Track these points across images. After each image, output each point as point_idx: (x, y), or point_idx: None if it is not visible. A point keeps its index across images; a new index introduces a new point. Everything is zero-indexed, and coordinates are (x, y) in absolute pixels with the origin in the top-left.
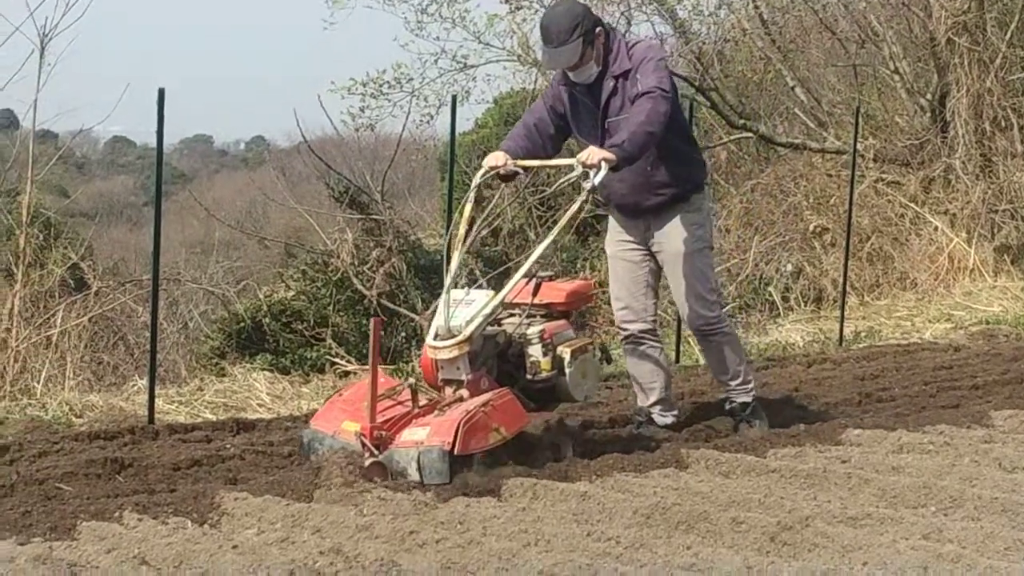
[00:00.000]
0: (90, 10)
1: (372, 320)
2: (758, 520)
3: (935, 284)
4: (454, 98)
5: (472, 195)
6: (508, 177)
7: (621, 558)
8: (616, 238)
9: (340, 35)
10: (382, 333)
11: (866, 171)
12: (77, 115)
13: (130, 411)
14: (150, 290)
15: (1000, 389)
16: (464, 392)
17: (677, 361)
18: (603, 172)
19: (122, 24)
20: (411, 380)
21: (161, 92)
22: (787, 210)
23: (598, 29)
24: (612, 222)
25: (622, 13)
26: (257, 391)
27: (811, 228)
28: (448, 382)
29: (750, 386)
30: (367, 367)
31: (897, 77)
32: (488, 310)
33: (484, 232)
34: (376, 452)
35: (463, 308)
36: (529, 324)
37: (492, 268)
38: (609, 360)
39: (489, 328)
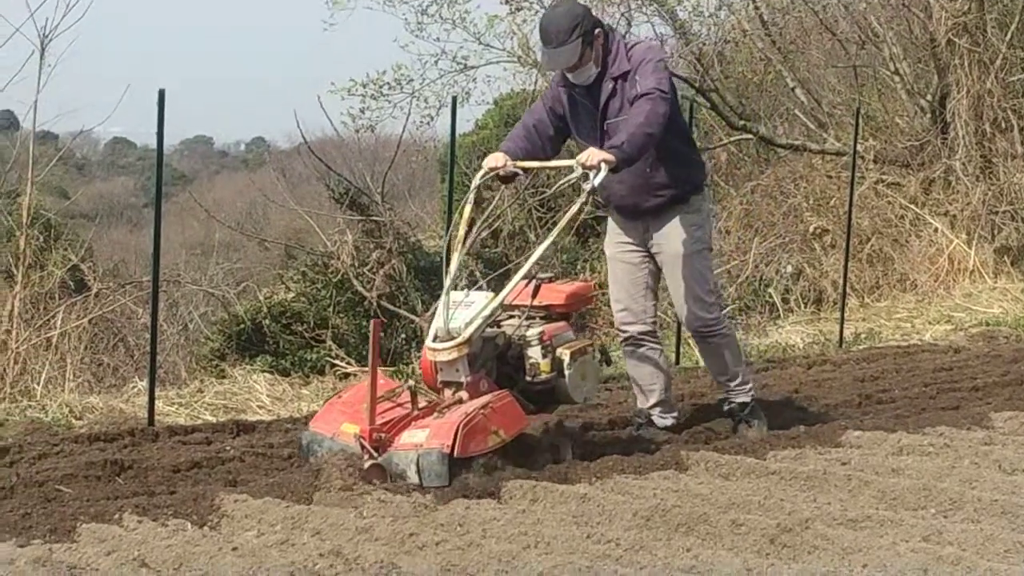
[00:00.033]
0: (90, 11)
1: (372, 322)
2: (758, 522)
3: (935, 286)
4: (454, 99)
5: (472, 196)
6: (508, 178)
7: (621, 560)
8: (615, 240)
9: (340, 36)
10: (382, 335)
11: (866, 172)
12: (77, 116)
13: (130, 413)
14: (150, 292)
15: (1000, 391)
16: (463, 394)
17: (677, 363)
18: (603, 173)
19: (122, 25)
20: (410, 382)
21: (161, 93)
22: (787, 211)
23: (597, 30)
24: (611, 224)
25: (622, 14)
26: (257, 393)
27: (811, 229)
28: (447, 384)
29: (749, 386)
30: (367, 369)
31: (897, 78)
32: (487, 312)
33: (484, 233)
34: (375, 454)
35: (462, 310)
36: (528, 326)
37: (492, 269)
38: (609, 362)
39: (488, 330)
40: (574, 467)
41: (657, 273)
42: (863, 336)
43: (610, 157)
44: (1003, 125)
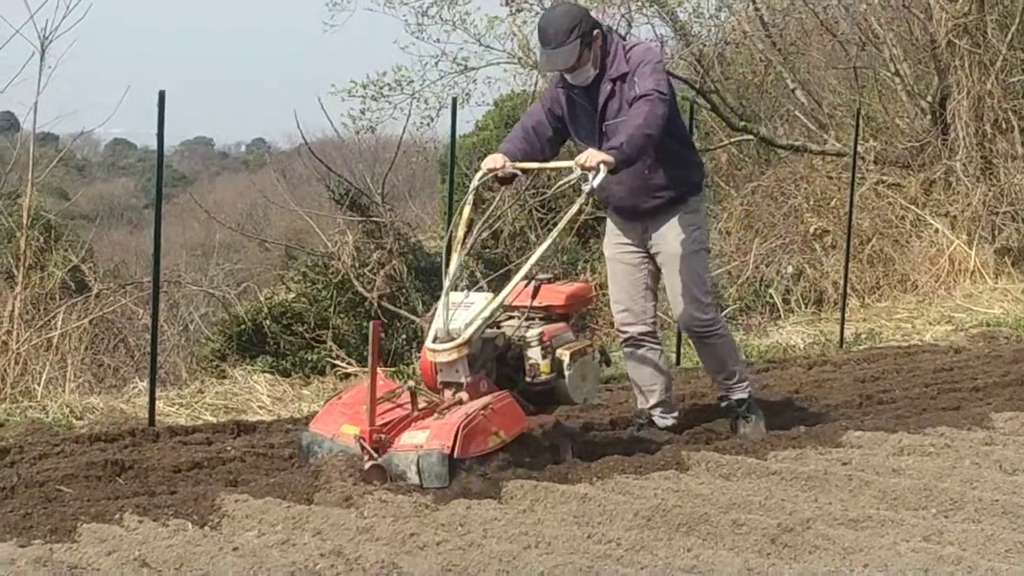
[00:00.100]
0: (90, 12)
1: (371, 323)
2: (759, 522)
3: (936, 286)
4: (454, 100)
5: (471, 197)
6: (507, 179)
7: (622, 560)
8: (614, 240)
9: (340, 37)
10: (382, 335)
11: (867, 173)
12: (78, 117)
13: (131, 413)
14: (151, 292)
15: (1001, 391)
16: (463, 395)
17: (678, 363)
18: (602, 175)
19: (122, 26)
20: (410, 383)
21: (162, 95)
22: (788, 212)
23: (596, 31)
24: (610, 224)
25: (623, 15)
26: (258, 393)
27: (812, 230)
28: (447, 385)
29: (746, 383)
30: (367, 369)
31: (898, 79)
32: (487, 313)
33: (485, 234)
34: (375, 455)
35: (462, 311)
36: (528, 327)
37: (493, 270)
38: (608, 362)
39: (488, 331)
40: (575, 467)
41: (657, 274)
42: (864, 337)
43: (609, 158)
44: (1003, 126)
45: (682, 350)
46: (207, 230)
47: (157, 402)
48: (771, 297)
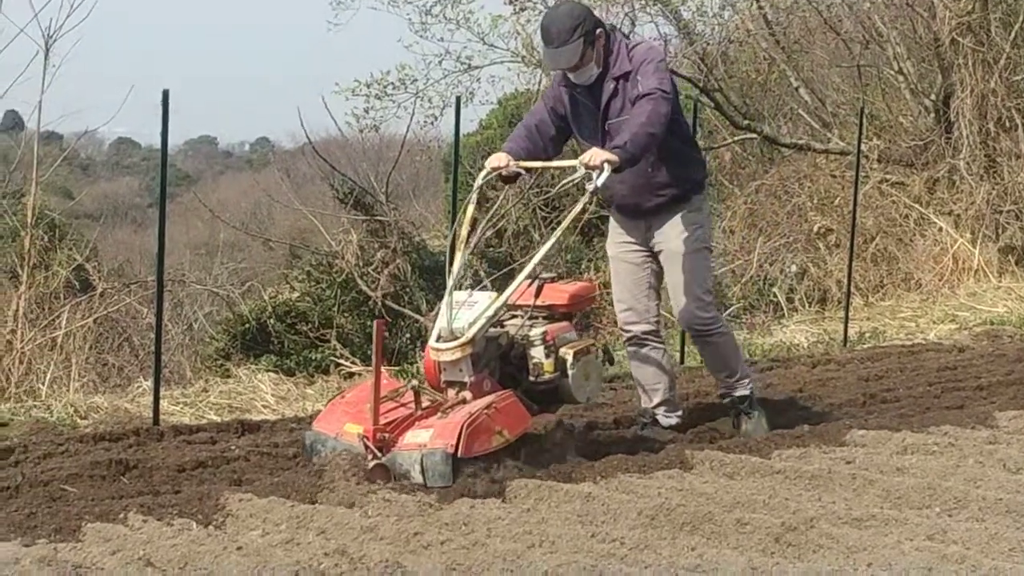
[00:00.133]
0: (94, 11)
1: (375, 322)
2: (763, 521)
3: (939, 285)
4: (458, 99)
5: (474, 196)
6: (510, 178)
7: (626, 559)
8: (617, 239)
9: (344, 36)
10: (386, 334)
11: (870, 172)
12: (82, 117)
13: (135, 412)
14: (155, 291)
15: (1004, 390)
16: (467, 394)
17: (681, 362)
18: (605, 174)
19: (126, 24)
20: (414, 382)
21: (166, 94)
22: (791, 211)
23: (599, 30)
24: (613, 223)
25: (626, 14)
26: (262, 392)
27: (815, 229)
28: (451, 384)
29: (748, 380)
30: (371, 368)
31: (901, 78)
32: (491, 312)
33: (489, 233)
34: (379, 454)
35: (466, 310)
36: (532, 326)
37: (497, 269)
38: (612, 361)
39: (492, 330)
40: (579, 466)
41: (660, 273)
42: (867, 335)
43: (613, 157)
44: (1007, 124)
45: (686, 349)
46: (211, 229)
47: (161, 401)
48: (775, 296)
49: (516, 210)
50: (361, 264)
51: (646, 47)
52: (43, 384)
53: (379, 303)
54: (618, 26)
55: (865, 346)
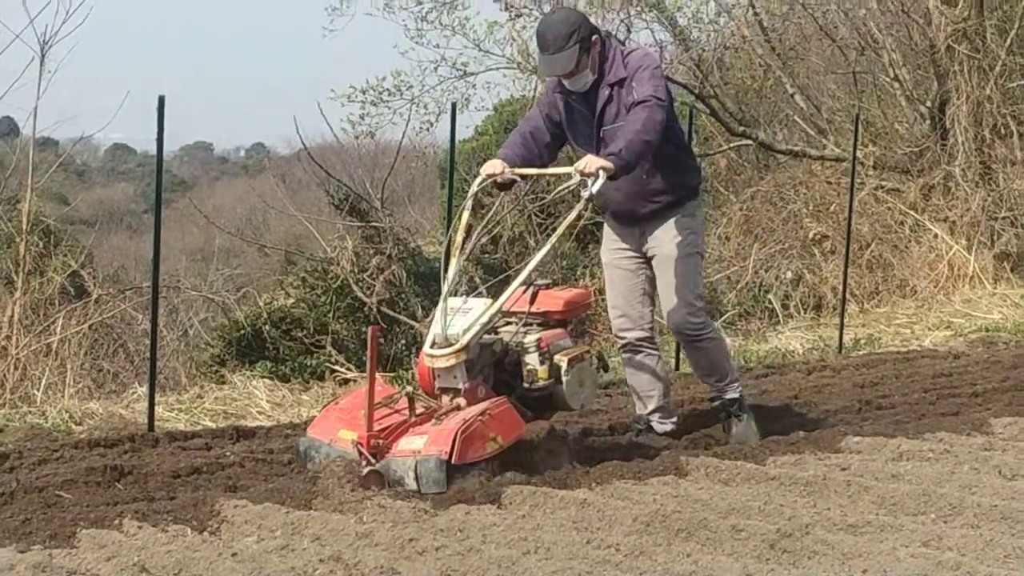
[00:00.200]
0: (90, 16)
1: (370, 328)
2: (758, 527)
3: (935, 291)
4: (454, 105)
5: (469, 203)
6: (506, 185)
7: (621, 566)
8: (612, 246)
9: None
10: (382, 341)
11: (866, 178)
12: (77, 122)
13: (130, 419)
14: (150, 297)
15: (1000, 396)
16: (461, 401)
17: (676, 368)
18: (600, 181)
19: (122, 29)
20: (408, 388)
21: (161, 100)
22: (787, 217)
23: (594, 37)
24: (607, 230)
25: (622, 20)
26: (257, 399)
27: (811, 235)
28: (445, 390)
29: (737, 383)
30: (366, 375)
31: (897, 84)
32: (485, 318)
33: (484, 239)
34: (373, 460)
35: (460, 316)
36: (526, 332)
37: (492, 275)
38: (606, 368)
39: (486, 336)
40: (574, 472)
41: (654, 279)
42: (863, 342)
43: (608, 164)
44: (1002, 131)
45: (681, 356)
46: (206, 235)
47: (156, 407)
48: (770, 302)
49: (512, 216)
50: (356, 270)
51: (641, 54)
52: (38, 390)
53: (374, 309)
54: (613, 32)
55: (860, 353)
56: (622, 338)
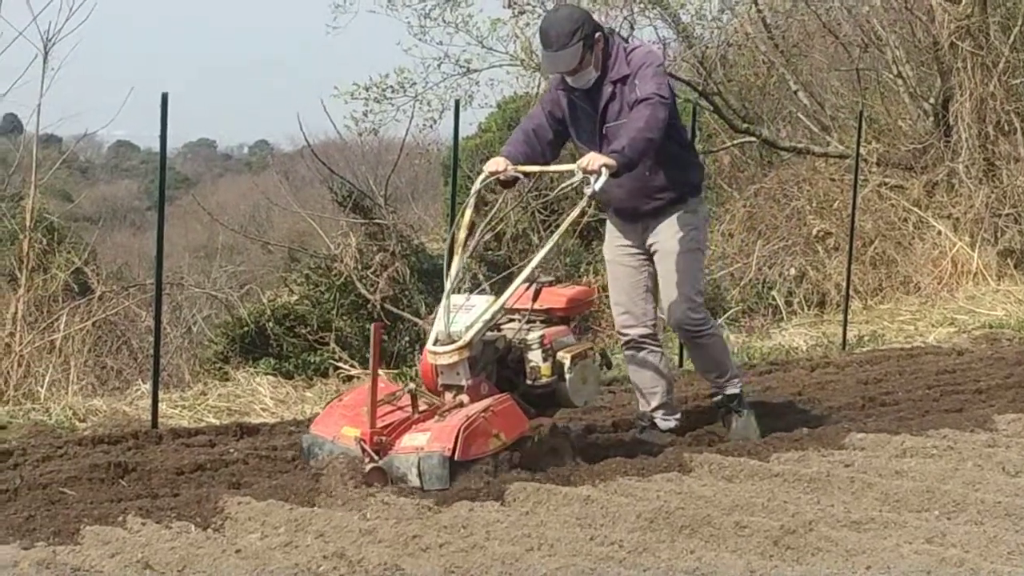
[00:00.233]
0: (94, 13)
1: (373, 325)
2: (761, 524)
3: (938, 288)
4: (457, 102)
5: (472, 201)
6: (508, 183)
7: (624, 562)
8: (615, 243)
9: (344, 39)
10: (385, 337)
11: (869, 175)
12: (81, 119)
13: (133, 415)
14: (154, 294)
15: (1003, 393)
16: (464, 397)
17: (680, 365)
18: (603, 178)
19: (126, 27)
20: (411, 385)
21: (164, 97)
22: (790, 214)
23: (598, 34)
24: (610, 227)
25: (625, 17)
26: (260, 395)
27: (814, 232)
28: (448, 387)
29: (738, 379)
30: (370, 371)
31: (900, 81)
32: (488, 315)
33: (487, 236)
34: (376, 457)
35: (463, 313)
36: (529, 330)
37: (496, 272)
38: (609, 365)
39: (489, 333)
40: (577, 469)
41: (657, 276)
42: (866, 338)
43: (611, 162)
44: (1006, 128)
45: (685, 352)
46: (210, 232)
47: (160, 404)
48: (774, 299)
49: (515, 213)
50: (360, 267)
51: (644, 51)
52: (42, 387)
53: (378, 306)
54: (617, 29)
55: (864, 349)
56: (625, 335)
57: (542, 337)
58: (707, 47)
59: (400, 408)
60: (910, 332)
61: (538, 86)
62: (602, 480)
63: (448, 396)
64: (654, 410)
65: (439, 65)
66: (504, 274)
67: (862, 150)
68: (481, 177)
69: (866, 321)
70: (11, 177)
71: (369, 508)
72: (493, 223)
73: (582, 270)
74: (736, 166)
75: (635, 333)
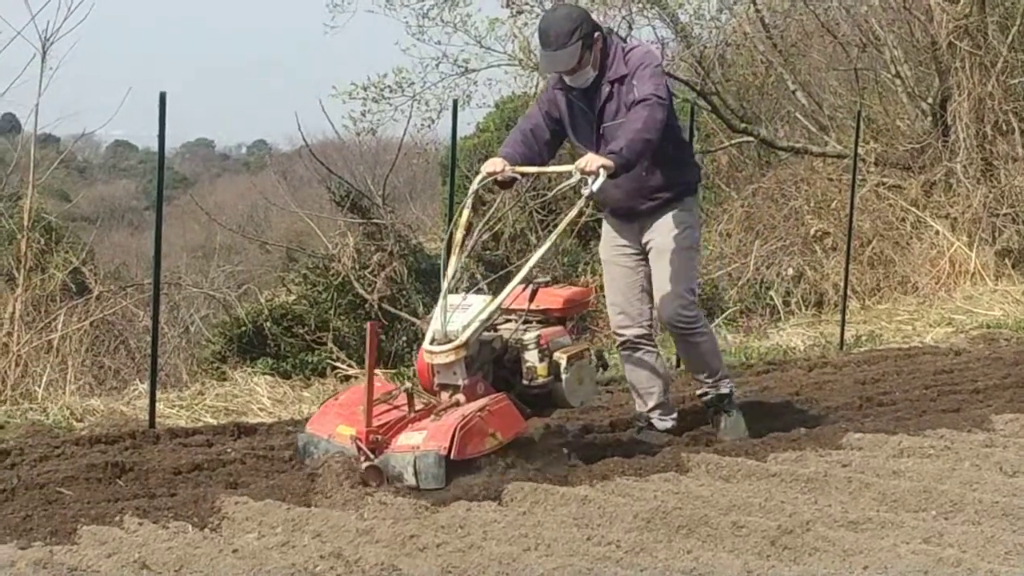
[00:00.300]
0: (92, 13)
1: (369, 324)
2: (759, 524)
3: (936, 288)
4: (455, 102)
5: (470, 200)
6: (506, 184)
7: (621, 562)
8: (611, 243)
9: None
10: (382, 337)
11: (867, 175)
12: (79, 119)
13: (131, 415)
14: (151, 294)
15: (1001, 393)
16: (460, 397)
17: (677, 366)
18: (601, 179)
19: (124, 27)
20: (407, 384)
21: (162, 96)
22: (788, 214)
23: (596, 34)
24: (607, 227)
25: (623, 17)
26: (258, 395)
27: (812, 232)
28: (444, 387)
29: (728, 379)
30: (366, 370)
31: (898, 81)
32: (485, 315)
33: (485, 236)
34: (372, 456)
35: (460, 313)
36: (525, 330)
37: (493, 272)
38: (605, 366)
39: (485, 333)
40: (575, 469)
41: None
42: (864, 338)
43: (608, 163)
44: (1004, 128)
45: None
46: (208, 232)
47: (157, 404)
48: (771, 299)
49: (513, 213)
50: (358, 267)
51: (642, 51)
52: (39, 387)
53: (375, 306)
54: (615, 29)
55: (861, 349)
56: (621, 335)
57: (538, 337)
58: (705, 47)
59: (396, 407)
60: (908, 332)
61: (536, 86)
62: (599, 480)
63: (444, 395)
64: (651, 410)
65: (437, 65)
66: (501, 274)
67: (860, 150)
68: (479, 177)
69: (864, 321)
70: (9, 177)
71: (366, 508)
72: (491, 223)
73: (579, 270)
74: (734, 166)
75: (631, 333)
